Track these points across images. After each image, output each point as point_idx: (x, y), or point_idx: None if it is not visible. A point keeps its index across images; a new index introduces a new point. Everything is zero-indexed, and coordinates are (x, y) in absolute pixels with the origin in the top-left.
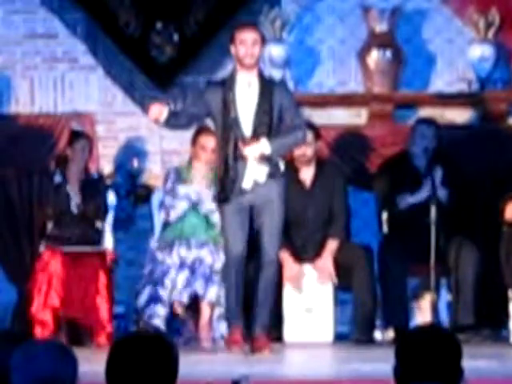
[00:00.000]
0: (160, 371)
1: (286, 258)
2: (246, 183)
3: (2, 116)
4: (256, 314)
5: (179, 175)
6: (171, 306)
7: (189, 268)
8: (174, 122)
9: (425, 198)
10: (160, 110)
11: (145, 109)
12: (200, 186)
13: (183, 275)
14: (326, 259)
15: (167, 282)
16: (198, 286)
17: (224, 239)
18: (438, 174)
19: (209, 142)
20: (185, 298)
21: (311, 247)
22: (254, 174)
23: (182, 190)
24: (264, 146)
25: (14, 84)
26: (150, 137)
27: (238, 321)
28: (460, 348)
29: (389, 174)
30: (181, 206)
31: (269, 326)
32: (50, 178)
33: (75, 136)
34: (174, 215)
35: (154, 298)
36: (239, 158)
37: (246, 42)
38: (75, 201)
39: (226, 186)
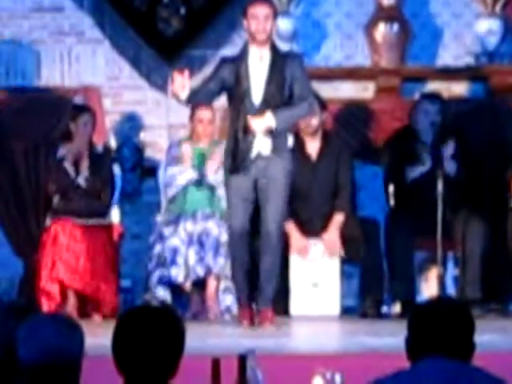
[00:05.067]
0: (167, 344)
1: (293, 230)
2: (252, 154)
3: (10, 89)
4: (260, 287)
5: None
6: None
7: (197, 242)
8: (193, 99)
9: (428, 170)
10: (183, 85)
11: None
12: (189, 162)
13: (193, 250)
14: (333, 233)
15: (179, 260)
16: (209, 259)
17: (227, 214)
18: (450, 147)
19: (204, 114)
20: (201, 273)
21: (318, 220)
22: (259, 146)
23: (175, 169)
24: (269, 119)
25: (21, 57)
26: (157, 110)
27: (247, 300)
28: (473, 323)
29: (396, 148)
30: (179, 183)
31: (273, 300)
32: (54, 152)
33: (78, 111)
34: (171, 192)
35: (166, 281)
36: (248, 130)
37: (257, 17)
38: (81, 175)
39: (236, 157)
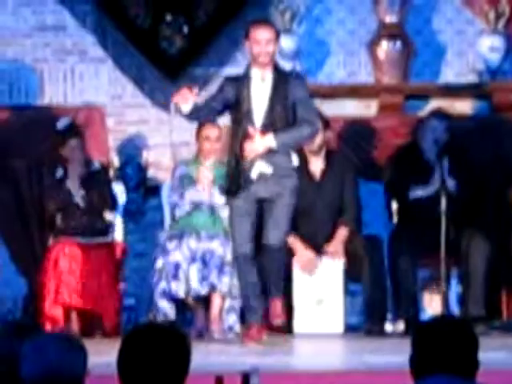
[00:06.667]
0: (173, 362)
1: (297, 244)
2: (253, 174)
3: (13, 108)
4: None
5: (186, 172)
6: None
7: (200, 260)
8: (195, 115)
9: (434, 191)
10: (186, 99)
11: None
12: (207, 184)
13: (195, 267)
14: (337, 244)
15: (181, 275)
16: (214, 278)
17: (231, 235)
18: (446, 164)
19: (211, 131)
20: (204, 292)
21: (321, 239)
22: (260, 166)
23: (187, 195)
24: (269, 140)
25: (24, 76)
26: (160, 129)
27: (256, 317)
28: (477, 340)
29: (399, 165)
30: (186, 206)
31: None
32: (53, 172)
33: (64, 136)
34: (179, 213)
35: (167, 294)
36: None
37: (260, 41)
38: (80, 193)
39: (235, 179)
